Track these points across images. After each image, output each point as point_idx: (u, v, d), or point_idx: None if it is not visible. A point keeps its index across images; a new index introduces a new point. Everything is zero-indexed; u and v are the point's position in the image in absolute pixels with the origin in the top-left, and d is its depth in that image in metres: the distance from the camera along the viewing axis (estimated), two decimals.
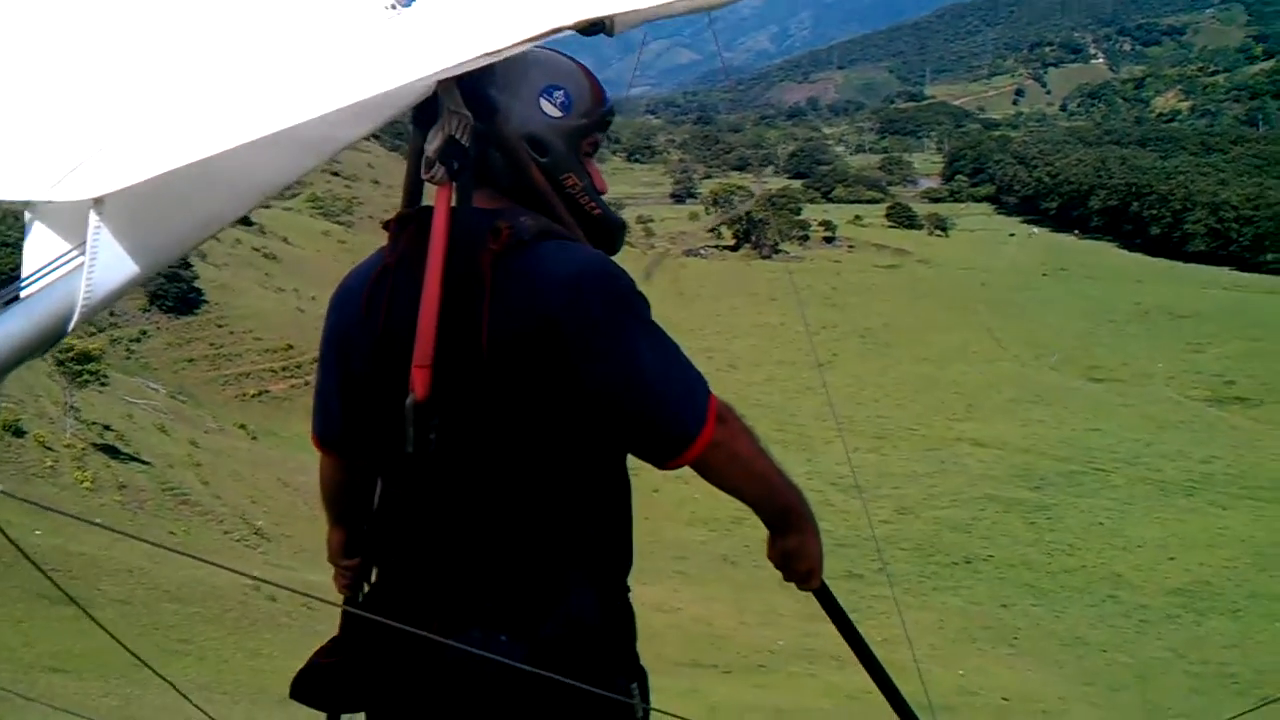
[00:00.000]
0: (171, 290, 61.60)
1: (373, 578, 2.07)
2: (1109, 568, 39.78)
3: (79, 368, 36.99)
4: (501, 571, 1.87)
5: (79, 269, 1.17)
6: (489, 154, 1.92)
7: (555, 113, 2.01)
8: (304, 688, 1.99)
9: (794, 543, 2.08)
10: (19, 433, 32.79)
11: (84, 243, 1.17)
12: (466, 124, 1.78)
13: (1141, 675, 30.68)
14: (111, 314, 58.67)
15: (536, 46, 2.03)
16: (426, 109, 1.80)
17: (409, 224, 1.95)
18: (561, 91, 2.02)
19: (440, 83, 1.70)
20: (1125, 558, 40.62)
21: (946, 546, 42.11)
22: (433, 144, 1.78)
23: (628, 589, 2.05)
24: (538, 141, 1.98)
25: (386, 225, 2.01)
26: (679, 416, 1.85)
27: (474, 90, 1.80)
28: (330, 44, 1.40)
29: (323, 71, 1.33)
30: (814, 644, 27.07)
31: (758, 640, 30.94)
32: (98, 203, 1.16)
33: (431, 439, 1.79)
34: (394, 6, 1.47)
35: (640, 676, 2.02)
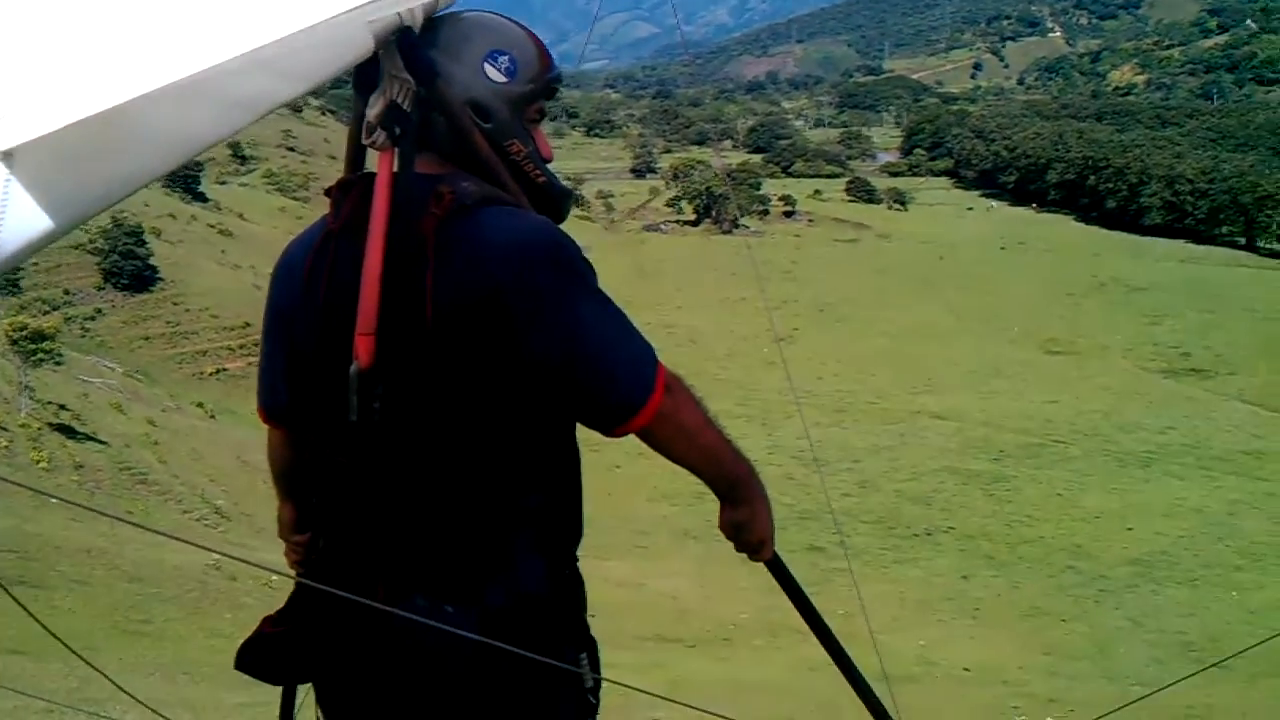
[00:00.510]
0: (127, 268, 60.90)
1: (319, 548, 2.02)
2: (1068, 538, 40.23)
3: (33, 346, 36.54)
4: (448, 540, 1.85)
5: None
6: (432, 119, 1.88)
7: (500, 78, 1.97)
8: (249, 658, 1.95)
9: (744, 514, 2.08)
10: None
11: None
12: (408, 88, 1.79)
13: (1100, 644, 31.07)
14: (66, 292, 57.95)
15: (484, 12, 2.00)
16: (368, 73, 1.79)
17: (351, 190, 1.92)
18: (506, 57, 1.99)
19: (381, 46, 1.71)
20: (1083, 528, 41.07)
21: (907, 519, 42.43)
22: (374, 109, 1.79)
23: (576, 559, 2.05)
24: (481, 107, 1.94)
25: (328, 192, 1.98)
26: (625, 384, 1.84)
27: (415, 54, 1.79)
28: None
29: (231, 18, 1.31)
30: (777, 618, 27.19)
31: (721, 614, 31.06)
32: (7, 155, 1.14)
33: (375, 407, 1.77)
34: None
35: (589, 646, 2.02)
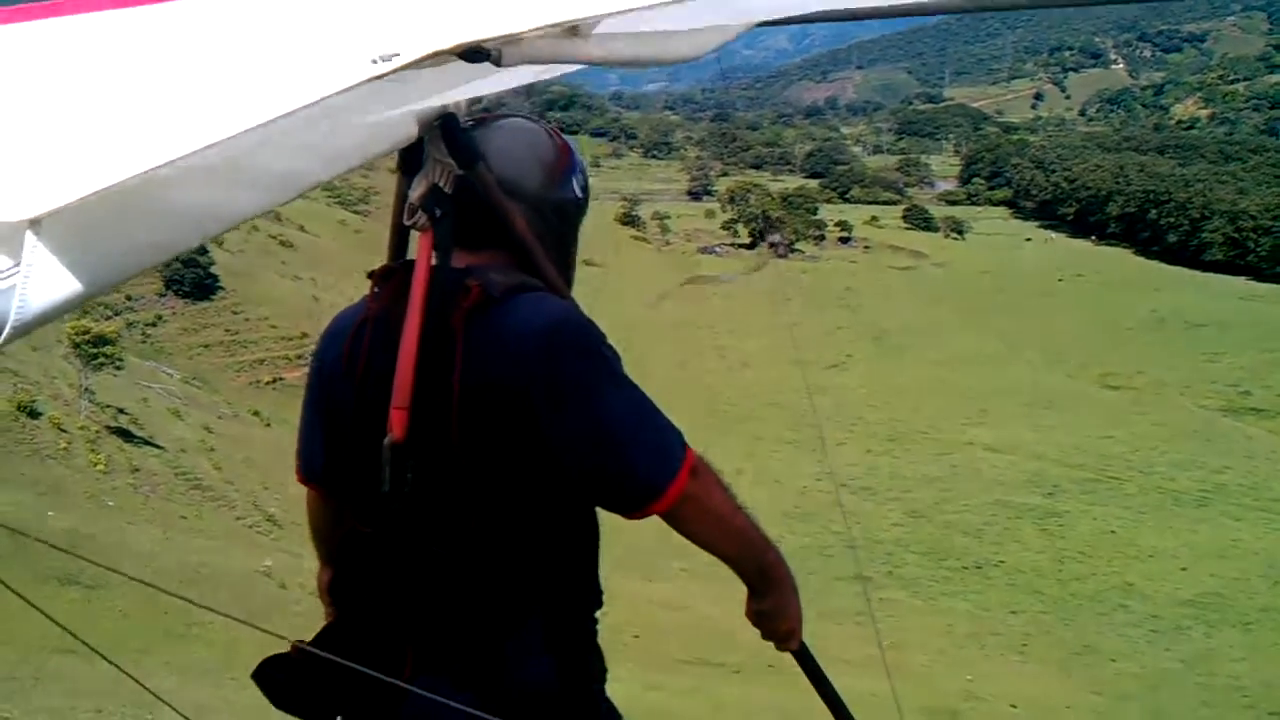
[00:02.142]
0: (188, 276, 61.84)
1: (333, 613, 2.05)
2: (1120, 576, 39.64)
3: (95, 350, 37.14)
4: (461, 622, 1.88)
5: (12, 288, 1.16)
6: (472, 205, 1.97)
7: (579, 194, 2.16)
8: (269, 675, 1.95)
9: (771, 603, 2.08)
10: (34, 414, 32.92)
11: (19, 262, 1.16)
12: (450, 172, 1.87)
13: (1151, 686, 30.59)
14: (127, 298, 58.91)
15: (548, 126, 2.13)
16: (412, 155, 1.89)
17: (392, 278, 1.99)
18: (583, 175, 2.20)
19: (425, 132, 1.81)
20: (1137, 567, 40.47)
21: (957, 551, 42.01)
22: (416, 190, 1.88)
23: (595, 631, 2.06)
24: (564, 210, 2.11)
25: (371, 275, 2.05)
26: (647, 469, 1.85)
27: (456, 137, 1.87)
28: (254, 68, 1.38)
29: (270, 98, 1.31)
30: (824, 645, 26.99)
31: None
32: (34, 223, 1.16)
33: (408, 477, 1.82)
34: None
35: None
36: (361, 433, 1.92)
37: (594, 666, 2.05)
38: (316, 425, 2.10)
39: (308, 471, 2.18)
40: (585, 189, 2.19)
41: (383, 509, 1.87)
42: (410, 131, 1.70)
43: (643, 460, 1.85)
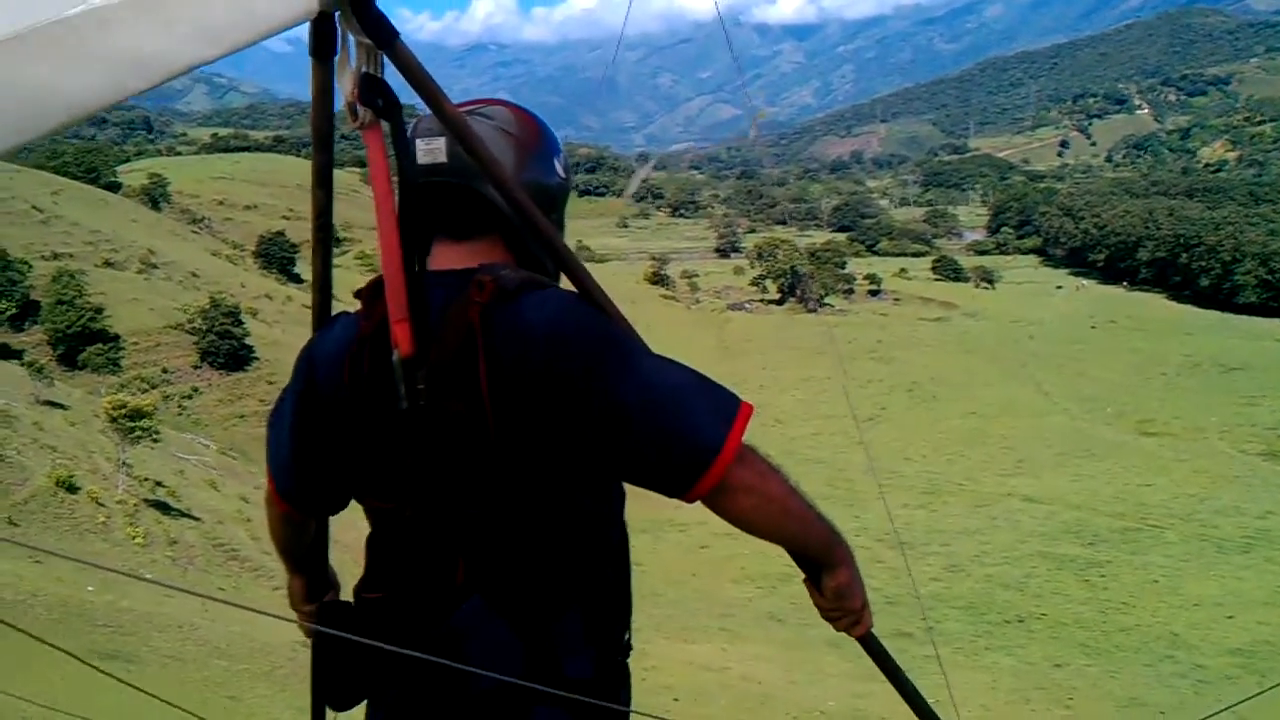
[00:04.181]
0: (223, 347, 62.48)
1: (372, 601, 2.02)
2: (1165, 626, 39.01)
3: (131, 424, 37.44)
4: (499, 624, 1.85)
5: None
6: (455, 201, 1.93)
7: (563, 175, 2.07)
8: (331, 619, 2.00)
9: (845, 576, 2.00)
10: (72, 489, 33.18)
11: None
12: (374, 55, 1.64)
13: None
14: (164, 370, 59.56)
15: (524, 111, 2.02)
16: (323, 37, 1.62)
17: (381, 294, 1.85)
18: (564, 155, 2.10)
19: (329, 3, 1.53)
20: (1182, 616, 39.82)
21: (999, 605, 41.49)
22: (345, 81, 1.64)
23: (629, 645, 2.02)
24: (551, 196, 2.01)
25: (358, 294, 1.96)
26: (707, 421, 1.77)
27: (368, 10, 1.57)
28: None
29: None
30: (864, 705, 26.70)
31: (807, 700, 30.53)
32: None
33: (420, 389, 1.78)
34: None
35: None
36: (361, 447, 1.89)
37: (626, 681, 2.00)
38: (301, 446, 2.02)
39: (284, 492, 2.11)
40: (568, 170, 2.10)
41: (402, 429, 1.83)
42: (310, 5, 1.42)
43: (702, 411, 1.77)
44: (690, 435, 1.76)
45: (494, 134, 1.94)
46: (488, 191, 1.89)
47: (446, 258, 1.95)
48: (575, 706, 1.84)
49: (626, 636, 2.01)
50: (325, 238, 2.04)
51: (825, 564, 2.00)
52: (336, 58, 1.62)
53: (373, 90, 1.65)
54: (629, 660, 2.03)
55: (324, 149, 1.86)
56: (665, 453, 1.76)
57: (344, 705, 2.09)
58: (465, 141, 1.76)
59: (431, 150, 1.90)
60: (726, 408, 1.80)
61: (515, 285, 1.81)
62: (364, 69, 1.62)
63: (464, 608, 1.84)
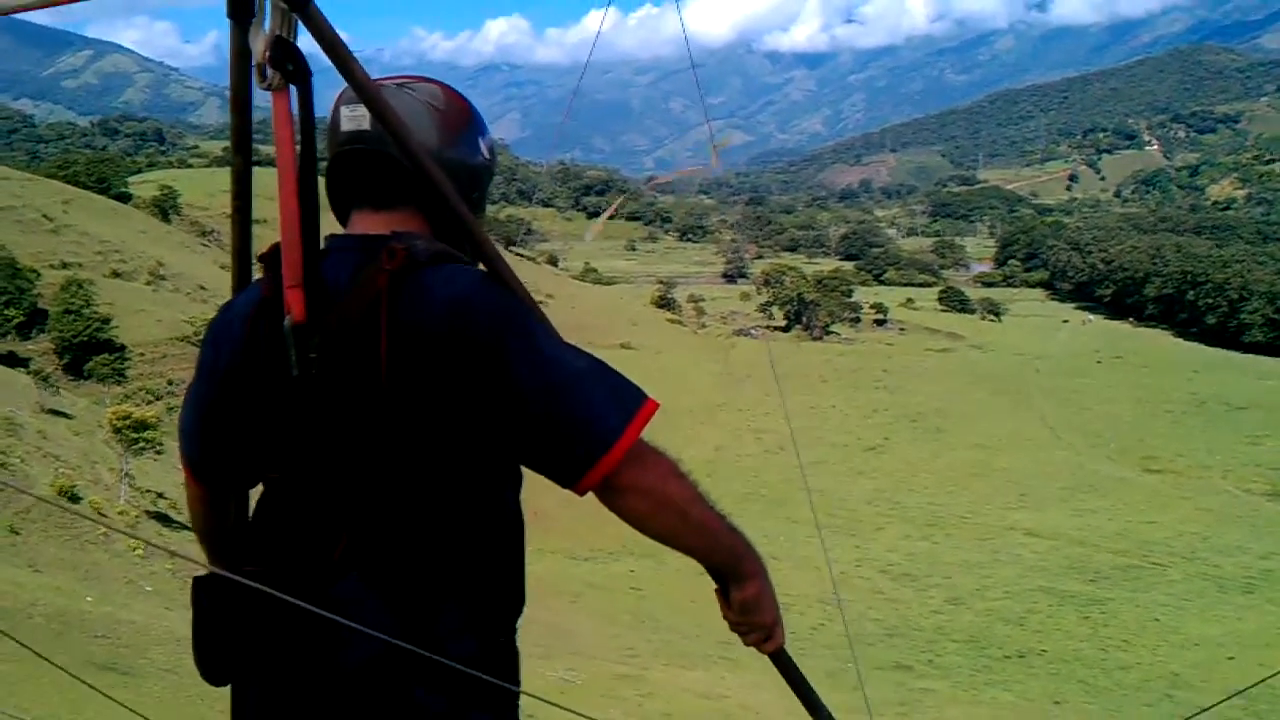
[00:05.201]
0: None
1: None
2: (1166, 666, 38.79)
3: (135, 435, 37.48)
4: (377, 602, 1.80)
5: None
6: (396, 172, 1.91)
7: (488, 157, 2.07)
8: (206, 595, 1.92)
9: (752, 590, 1.94)
10: (75, 499, 33.19)
11: None
12: (290, 19, 1.64)
13: None
14: (169, 382, 59.62)
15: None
16: (243, 1, 1.64)
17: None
18: (490, 139, 2.10)
19: None
20: (1182, 656, 39.60)
21: (999, 639, 41.28)
22: (257, 43, 1.64)
23: (515, 633, 1.97)
24: (477, 177, 2.02)
25: (261, 258, 1.91)
26: (603, 411, 1.74)
27: None
28: None
29: None
30: None
31: None
32: None
33: (312, 358, 1.77)
34: None
35: (511, 718, 1.93)
36: (262, 413, 1.87)
37: (514, 662, 1.95)
38: (204, 419, 2.01)
39: (191, 463, 2.09)
40: (493, 152, 2.09)
41: (295, 399, 1.81)
42: None
43: (599, 401, 1.74)
44: (584, 424, 1.73)
45: (420, 108, 1.95)
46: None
47: (364, 226, 1.95)
48: (457, 690, 1.81)
49: (515, 626, 1.97)
50: (244, 205, 2.03)
51: (733, 576, 1.94)
52: (253, 20, 1.63)
53: (283, 54, 1.64)
54: (516, 641, 1.98)
55: (241, 112, 1.85)
56: (557, 439, 1.74)
57: (221, 680, 2.03)
58: (374, 107, 1.76)
59: (355, 117, 1.91)
60: (628, 401, 1.77)
61: (426, 256, 1.80)
62: (279, 33, 1.62)
63: (341, 584, 1.80)
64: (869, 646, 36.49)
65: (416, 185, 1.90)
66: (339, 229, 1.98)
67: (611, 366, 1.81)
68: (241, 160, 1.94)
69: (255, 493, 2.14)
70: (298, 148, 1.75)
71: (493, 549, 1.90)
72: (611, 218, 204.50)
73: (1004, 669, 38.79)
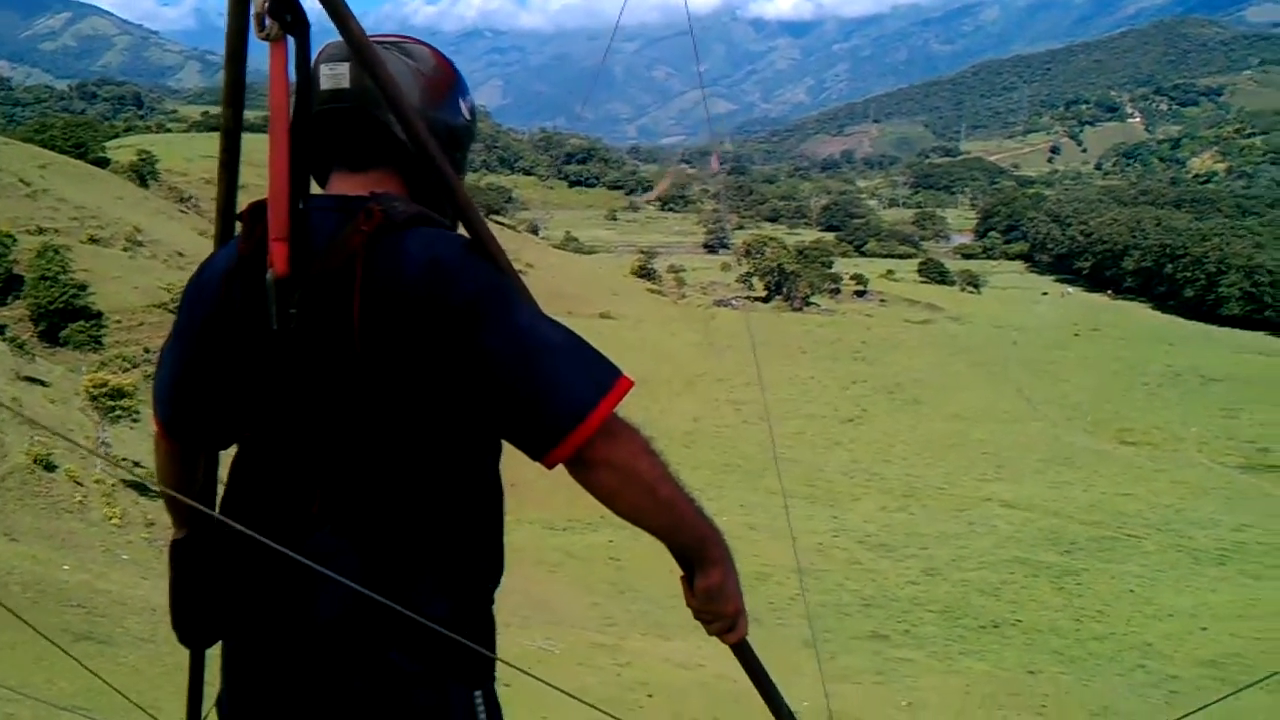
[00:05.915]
0: None
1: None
2: (1139, 636, 39.17)
3: (111, 403, 37.25)
4: (355, 569, 1.78)
5: None
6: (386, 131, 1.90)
7: (468, 118, 2.07)
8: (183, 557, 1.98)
9: (718, 576, 1.91)
10: (50, 467, 33.01)
11: None
12: None
13: None
14: (146, 350, 59.29)
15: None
16: None
17: (263, 214, 1.83)
18: (471, 99, 2.10)
19: None
20: (1155, 626, 40.00)
21: (974, 610, 41.58)
22: None
23: (492, 601, 1.96)
24: (457, 137, 2.02)
25: (240, 216, 1.91)
26: (576, 384, 1.73)
27: None
28: None
29: None
30: (838, 705, 26.76)
31: None
32: None
33: (292, 313, 1.77)
34: None
35: (487, 686, 1.93)
36: (239, 374, 1.88)
37: (490, 630, 1.95)
38: (180, 376, 2.01)
39: (165, 422, 2.10)
40: (473, 113, 2.08)
41: (272, 352, 1.82)
42: None
43: (574, 374, 1.73)
44: (556, 396, 1.72)
45: (404, 68, 1.94)
46: (388, 120, 1.85)
47: (342, 186, 1.94)
48: (433, 655, 1.81)
49: (493, 595, 1.97)
50: (231, 160, 2.03)
51: (697, 561, 1.92)
52: None
53: (282, 4, 1.65)
54: (493, 610, 1.97)
55: (235, 63, 1.85)
56: (528, 409, 1.73)
57: (199, 644, 2.05)
58: (368, 63, 1.76)
59: (335, 75, 1.89)
60: (602, 376, 1.76)
61: (404, 218, 1.79)
62: None
63: (315, 538, 1.80)
64: (846, 616, 36.67)
65: (395, 146, 1.90)
66: (317, 190, 1.97)
67: (588, 342, 1.79)
68: (232, 114, 1.94)
69: (226, 455, 2.15)
70: (292, 99, 1.76)
71: (469, 514, 1.90)
72: (595, 185, 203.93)
73: (979, 639, 39.10)
